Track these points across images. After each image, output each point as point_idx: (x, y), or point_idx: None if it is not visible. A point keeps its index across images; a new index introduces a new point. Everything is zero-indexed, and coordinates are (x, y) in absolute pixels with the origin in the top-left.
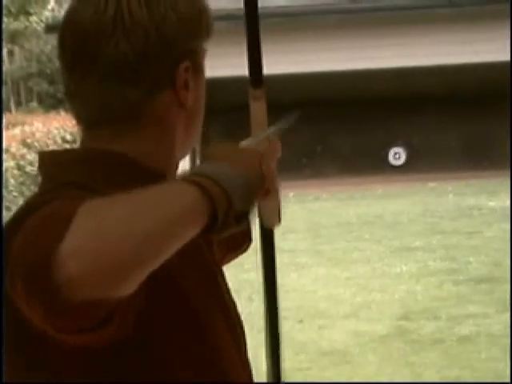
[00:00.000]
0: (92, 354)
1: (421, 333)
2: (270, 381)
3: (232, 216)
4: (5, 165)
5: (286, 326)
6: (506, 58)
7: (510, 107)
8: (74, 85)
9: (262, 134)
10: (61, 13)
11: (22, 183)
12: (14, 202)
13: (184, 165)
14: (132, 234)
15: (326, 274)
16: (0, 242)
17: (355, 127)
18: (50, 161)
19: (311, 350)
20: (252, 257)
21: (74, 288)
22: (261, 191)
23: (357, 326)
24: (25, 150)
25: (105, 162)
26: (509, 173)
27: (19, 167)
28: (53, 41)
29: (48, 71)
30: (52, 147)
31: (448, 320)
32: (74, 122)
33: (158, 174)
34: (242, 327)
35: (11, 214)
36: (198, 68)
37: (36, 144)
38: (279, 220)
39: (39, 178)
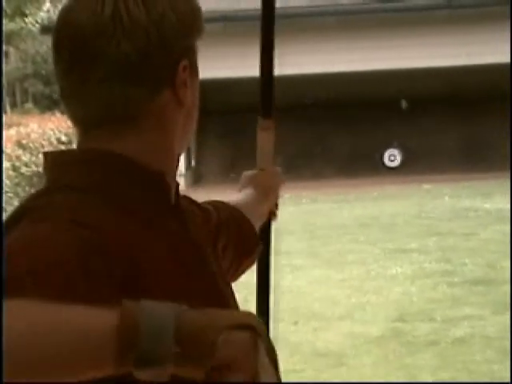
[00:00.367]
0: None
1: (416, 334)
2: None
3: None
4: None
5: (280, 328)
6: (503, 60)
7: (511, 110)
8: (72, 86)
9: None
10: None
11: (17, 184)
12: (9, 202)
13: (179, 166)
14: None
15: (321, 275)
16: (0, 241)
17: (351, 129)
18: (51, 161)
19: (306, 351)
20: None
21: None
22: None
23: (352, 328)
24: (20, 152)
25: (104, 162)
26: (504, 175)
27: (14, 168)
28: (48, 42)
29: (43, 72)
30: (47, 148)
31: (443, 322)
32: (69, 123)
33: (156, 173)
34: None
35: (6, 215)
36: (193, 65)
37: (31, 145)
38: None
39: (34, 179)
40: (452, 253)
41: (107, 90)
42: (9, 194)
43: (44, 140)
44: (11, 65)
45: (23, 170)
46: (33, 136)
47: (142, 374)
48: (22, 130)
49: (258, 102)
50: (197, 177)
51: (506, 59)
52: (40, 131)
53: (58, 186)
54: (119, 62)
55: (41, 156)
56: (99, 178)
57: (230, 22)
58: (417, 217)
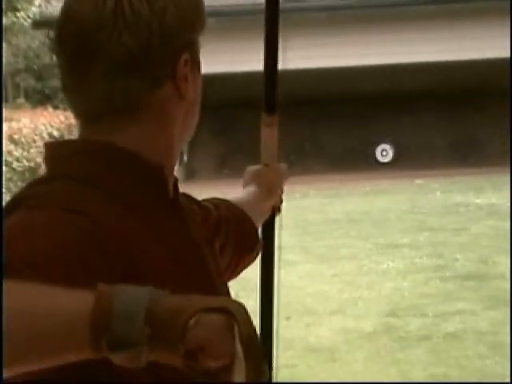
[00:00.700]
0: None
1: (408, 330)
2: None
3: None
4: None
5: None
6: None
7: (510, 105)
8: (74, 80)
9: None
10: (48, 9)
11: (9, 179)
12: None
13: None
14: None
15: (313, 270)
16: (0, 241)
17: (343, 124)
18: (52, 151)
19: (298, 346)
20: None
21: None
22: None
23: (344, 323)
24: (12, 147)
25: (106, 154)
26: (495, 170)
27: (6, 163)
28: (40, 37)
29: (35, 67)
30: (39, 143)
31: (435, 317)
32: (61, 118)
33: (156, 166)
34: None
35: None
36: (195, 60)
37: (23, 140)
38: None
39: (26, 175)
40: (444, 248)
41: (109, 83)
42: None
43: (36, 135)
44: (3, 60)
45: (15, 165)
46: (25, 131)
47: (117, 359)
48: (14, 124)
49: (251, 97)
50: (189, 172)
51: (496, 54)
52: (32, 126)
53: (57, 174)
54: (121, 55)
55: (32, 151)
56: (101, 169)
57: (224, 16)
58: (409, 212)
